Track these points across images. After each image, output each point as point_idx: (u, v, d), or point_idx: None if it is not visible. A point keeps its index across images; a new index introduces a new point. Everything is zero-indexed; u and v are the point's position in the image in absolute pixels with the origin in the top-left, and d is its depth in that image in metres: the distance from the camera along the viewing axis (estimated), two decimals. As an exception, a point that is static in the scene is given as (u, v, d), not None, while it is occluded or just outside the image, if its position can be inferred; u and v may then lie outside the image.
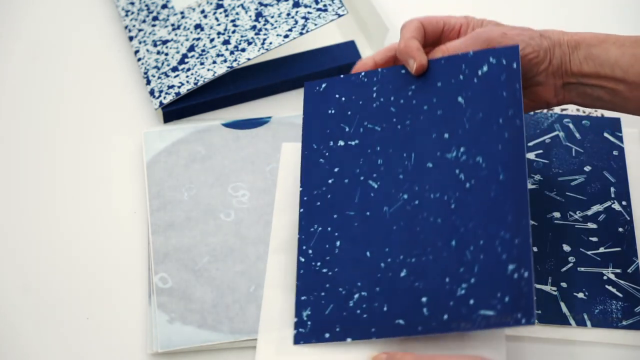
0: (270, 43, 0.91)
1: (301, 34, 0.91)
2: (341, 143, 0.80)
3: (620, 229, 0.85)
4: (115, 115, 0.92)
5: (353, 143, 0.80)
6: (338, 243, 0.77)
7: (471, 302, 0.70)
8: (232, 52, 0.91)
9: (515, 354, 0.79)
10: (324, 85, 0.83)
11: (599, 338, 0.80)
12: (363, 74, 0.82)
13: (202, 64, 0.91)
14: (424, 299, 0.72)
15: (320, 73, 0.94)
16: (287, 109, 0.93)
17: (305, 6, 0.92)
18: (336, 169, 0.79)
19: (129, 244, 0.84)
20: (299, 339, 0.75)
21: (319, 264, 0.77)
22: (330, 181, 0.79)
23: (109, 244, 0.84)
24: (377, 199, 0.77)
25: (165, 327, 0.79)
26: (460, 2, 1.03)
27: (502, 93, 0.75)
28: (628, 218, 0.85)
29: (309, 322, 0.75)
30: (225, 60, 0.90)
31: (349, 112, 0.81)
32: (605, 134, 0.90)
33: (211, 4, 0.95)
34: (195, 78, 0.90)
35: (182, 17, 0.94)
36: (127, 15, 0.96)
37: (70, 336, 0.80)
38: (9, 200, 0.87)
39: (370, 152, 0.78)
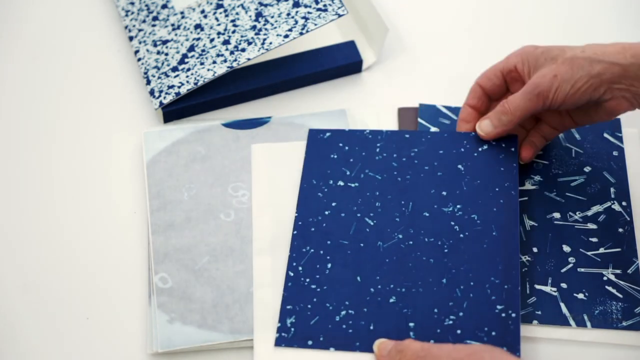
0: (270, 43, 0.91)
1: (301, 34, 0.91)
2: (341, 183, 0.85)
3: (620, 230, 0.85)
4: (115, 115, 0.92)
5: (353, 185, 0.85)
6: (329, 265, 0.81)
7: (458, 332, 0.76)
8: (232, 52, 0.91)
9: (515, 355, 0.79)
10: (328, 134, 0.88)
11: (598, 338, 0.80)
12: (368, 131, 0.88)
13: (202, 64, 0.91)
14: (411, 324, 0.77)
15: (320, 73, 0.94)
16: (287, 109, 0.93)
17: (305, 6, 0.92)
18: (334, 204, 0.84)
19: (129, 244, 0.84)
20: (280, 342, 0.77)
21: (307, 280, 0.80)
22: (326, 212, 0.84)
23: (109, 244, 0.84)
24: (372, 234, 0.82)
25: (165, 327, 0.79)
26: (461, 3, 1.03)
27: (500, 168, 0.84)
28: (628, 218, 0.85)
29: (292, 329, 0.78)
30: (225, 60, 0.90)
31: (351, 160, 0.86)
32: (605, 135, 0.90)
33: (211, 4, 0.95)
34: (195, 78, 0.90)
35: (182, 17, 0.94)
36: (127, 15, 0.96)
37: (70, 336, 0.80)
38: (9, 200, 0.87)
39: (369, 195, 0.84)
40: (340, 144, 0.87)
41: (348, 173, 0.86)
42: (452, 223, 0.82)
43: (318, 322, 0.78)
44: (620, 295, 0.82)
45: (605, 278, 0.82)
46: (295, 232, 0.82)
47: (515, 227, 0.81)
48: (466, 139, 0.86)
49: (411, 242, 0.81)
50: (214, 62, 0.90)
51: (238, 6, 0.94)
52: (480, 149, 0.85)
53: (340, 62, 0.94)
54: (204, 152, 0.89)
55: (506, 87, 0.85)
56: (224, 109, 0.93)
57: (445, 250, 0.80)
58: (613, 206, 0.86)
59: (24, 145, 0.90)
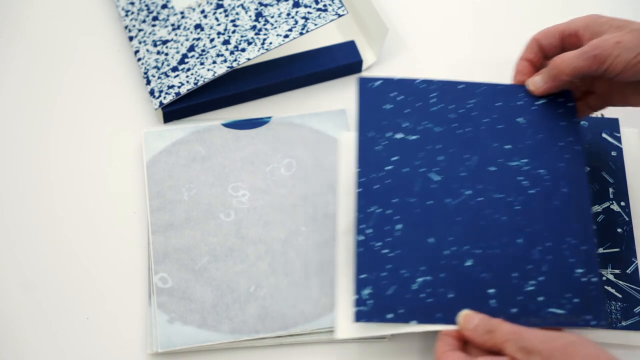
0: (270, 43, 0.91)
1: (301, 34, 0.91)
2: (399, 136, 0.81)
3: (619, 230, 0.85)
4: (115, 115, 0.92)
5: (412, 138, 0.81)
6: (399, 226, 0.77)
7: (540, 298, 0.73)
8: (232, 52, 0.91)
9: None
10: (378, 82, 0.83)
11: (598, 338, 0.80)
12: (419, 80, 0.84)
13: (202, 64, 0.91)
14: (491, 291, 0.74)
15: (320, 73, 0.94)
16: (287, 109, 0.93)
17: (305, 6, 0.93)
18: (394, 158, 0.79)
19: (129, 244, 0.84)
20: (360, 317, 0.74)
21: (379, 244, 0.76)
22: (388, 168, 0.79)
23: (109, 244, 0.84)
24: (439, 191, 0.78)
25: (165, 327, 0.79)
26: (461, 3, 1.04)
27: (560, 123, 0.81)
28: (627, 219, 0.85)
29: (370, 301, 0.74)
30: (225, 60, 0.90)
31: (407, 110, 0.82)
32: (604, 135, 0.90)
33: (211, 4, 0.95)
34: (195, 78, 0.90)
35: (182, 17, 0.94)
36: (127, 15, 0.96)
37: (70, 336, 0.80)
38: (9, 200, 0.87)
39: (430, 149, 0.80)
40: (393, 94, 0.83)
41: (405, 125, 0.81)
42: (520, 178, 0.78)
43: (395, 292, 0.74)
44: (620, 295, 0.82)
45: (604, 278, 0.82)
46: (360, 189, 0.78)
47: (585, 184, 0.78)
48: (522, 92, 0.83)
49: (481, 199, 0.77)
50: (214, 62, 0.90)
51: (238, 6, 0.94)
52: (538, 103, 0.82)
53: (340, 62, 0.94)
54: (204, 152, 0.88)
55: (562, 49, 0.82)
56: (224, 109, 0.93)
57: (517, 207, 0.77)
58: (612, 206, 0.86)
59: (24, 146, 0.90)
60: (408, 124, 0.81)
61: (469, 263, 0.75)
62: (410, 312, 0.74)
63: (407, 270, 0.75)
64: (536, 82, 0.82)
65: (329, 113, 0.91)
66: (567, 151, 0.80)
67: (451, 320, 0.73)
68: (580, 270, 0.74)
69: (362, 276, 0.75)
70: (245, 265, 0.82)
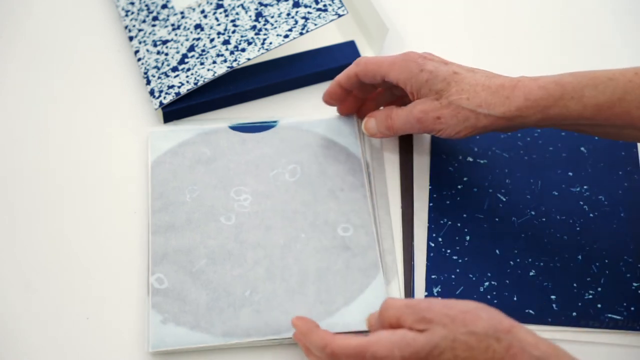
0: (270, 43, 0.91)
1: (301, 34, 0.91)
2: (470, 159, 0.88)
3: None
4: (115, 115, 0.92)
5: (482, 161, 0.88)
6: (468, 237, 0.84)
7: (598, 305, 0.80)
8: (232, 52, 0.91)
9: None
10: None
11: (598, 338, 0.80)
12: None
13: (202, 64, 0.91)
14: (553, 297, 0.81)
15: (320, 73, 0.94)
16: (287, 109, 0.93)
17: (305, 6, 0.92)
18: (465, 178, 0.87)
19: (129, 244, 0.84)
20: None
21: (449, 251, 0.83)
22: (459, 187, 0.87)
23: (109, 244, 0.84)
24: (505, 209, 0.85)
25: (158, 327, 0.79)
26: (461, 3, 1.03)
27: (621, 153, 0.89)
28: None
29: (439, 298, 0.80)
30: (225, 60, 0.90)
31: (477, 137, 0.89)
32: None
33: (211, 4, 0.95)
34: (195, 78, 0.90)
35: (182, 17, 0.94)
36: (127, 15, 0.96)
37: (69, 336, 0.80)
38: (9, 200, 0.87)
39: (499, 172, 0.88)
40: None
41: (476, 149, 0.89)
42: (581, 203, 0.85)
43: (463, 292, 0.81)
44: (621, 295, 0.83)
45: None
46: (431, 204, 0.85)
47: None
48: None
49: (544, 219, 0.84)
50: (214, 62, 0.90)
51: (238, 6, 0.94)
52: None
53: (340, 62, 0.94)
54: (209, 153, 0.88)
55: (384, 83, 0.84)
56: (224, 109, 0.93)
57: (577, 229, 0.84)
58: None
59: (23, 145, 0.90)
60: (477, 149, 0.89)
61: (532, 273, 0.82)
62: None
63: (474, 274, 0.82)
64: (370, 129, 0.86)
65: (338, 120, 0.91)
66: (626, 179, 0.87)
67: (515, 319, 0.76)
68: (636, 284, 0.81)
69: (433, 276, 0.82)
70: (242, 269, 0.82)
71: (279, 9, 0.93)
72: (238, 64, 0.90)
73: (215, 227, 0.84)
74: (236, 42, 0.91)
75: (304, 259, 0.83)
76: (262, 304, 0.80)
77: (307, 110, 0.92)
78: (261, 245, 0.83)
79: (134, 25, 0.95)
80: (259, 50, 0.90)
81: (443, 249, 0.83)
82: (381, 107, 0.89)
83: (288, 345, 0.80)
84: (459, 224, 0.84)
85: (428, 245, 0.83)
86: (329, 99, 0.88)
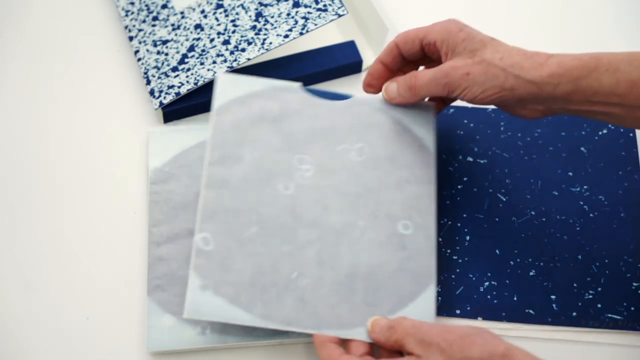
0: (270, 43, 0.91)
1: (301, 34, 0.91)
2: (470, 159, 0.88)
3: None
4: (115, 115, 0.92)
5: (482, 161, 0.88)
6: (467, 237, 0.84)
7: (599, 305, 0.80)
8: (232, 52, 0.91)
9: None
10: (451, 111, 0.90)
11: (598, 338, 0.80)
12: (490, 109, 0.90)
13: (202, 64, 0.91)
14: (553, 297, 0.81)
15: (320, 73, 0.94)
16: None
17: (305, 6, 0.92)
18: (465, 178, 0.87)
19: (129, 244, 0.84)
20: None
21: (449, 251, 0.83)
22: (459, 187, 0.86)
23: (109, 244, 0.84)
24: (505, 209, 0.85)
25: (196, 292, 0.74)
26: (461, 3, 1.03)
27: (621, 153, 0.88)
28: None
29: (439, 298, 0.81)
30: (225, 60, 0.90)
31: (478, 137, 0.89)
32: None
33: (211, 4, 0.95)
34: (195, 78, 0.90)
35: (182, 17, 0.94)
36: (127, 15, 0.96)
37: (70, 336, 0.80)
38: (9, 200, 0.87)
39: (499, 172, 0.87)
40: (465, 121, 0.90)
41: (476, 149, 0.88)
42: (581, 203, 0.85)
43: (463, 292, 0.81)
44: (621, 295, 0.83)
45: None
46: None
47: None
48: (585, 122, 0.90)
49: (544, 219, 0.84)
50: (214, 62, 0.90)
51: (238, 6, 0.94)
52: (600, 133, 0.89)
53: (340, 62, 0.94)
54: (277, 111, 0.82)
55: (423, 54, 0.82)
56: (224, 109, 0.93)
57: (577, 229, 0.84)
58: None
59: (24, 145, 0.90)
60: (477, 149, 0.88)
61: (532, 273, 0.82)
62: (476, 309, 0.80)
63: (474, 274, 0.82)
64: (391, 92, 0.83)
65: (415, 106, 0.85)
66: (626, 179, 0.87)
67: (515, 319, 0.80)
68: (636, 284, 0.81)
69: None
70: (292, 247, 0.76)
71: (279, 9, 0.93)
72: (238, 64, 0.90)
73: (272, 194, 0.78)
74: (236, 42, 0.91)
75: (357, 251, 0.77)
76: (307, 292, 0.75)
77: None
78: (316, 225, 0.78)
79: (134, 25, 0.95)
80: (259, 50, 0.90)
81: (443, 249, 0.83)
82: None
83: (288, 345, 0.80)
84: (459, 224, 0.84)
85: None
86: (371, 79, 0.84)
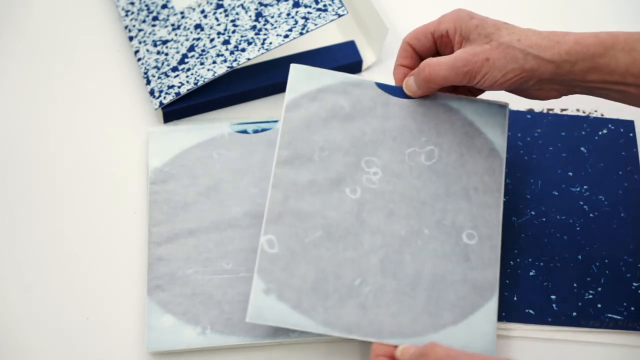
0: (270, 43, 0.91)
1: (301, 34, 0.91)
2: None
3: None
4: (115, 115, 0.92)
5: None
6: None
7: (599, 305, 0.80)
8: (232, 52, 0.91)
9: (516, 354, 0.79)
10: None
11: (598, 338, 0.80)
12: None
13: (202, 64, 0.91)
14: (553, 297, 0.81)
15: (320, 73, 0.94)
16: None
17: (305, 6, 0.92)
18: None
19: (129, 244, 0.84)
20: None
21: None
22: None
23: (109, 245, 0.84)
24: (505, 209, 0.83)
25: (260, 296, 0.73)
26: (460, 3, 1.03)
27: (621, 153, 0.88)
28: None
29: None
30: (225, 60, 0.90)
31: None
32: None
33: (211, 4, 0.95)
34: (195, 78, 0.90)
35: (182, 17, 0.94)
36: (127, 15, 0.96)
37: (70, 336, 0.80)
38: (9, 200, 0.86)
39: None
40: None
41: None
42: (581, 203, 0.85)
43: None
44: (621, 295, 0.83)
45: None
46: None
47: None
48: (585, 122, 0.90)
49: (544, 219, 0.84)
50: (214, 62, 0.90)
51: (238, 6, 0.94)
52: (600, 133, 0.89)
53: (340, 62, 0.94)
54: (347, 109, 0.79)
55: (436, 48, 0.82)
56: (224, 109, 0.93)
57: (577, 229, 0.84)
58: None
59: (24, 145, 0.90)
60: None
61: (532, 273, 0.82)
62: None
63: None
64: (411, 86, 0.81)
65: (489, 105, 0.83)
66: (626, 179, 0.87)
67: (515, 319, 0.80)
68: (636, 284, 0.81)
69: None
70: (356, 253, 0.75)
71: (279, 9, 0.93)
72: (238, 64, 0.90)
73: (338, 198, 0.76)
74: (236, 42, 0.91)
75: (421, 260, 0.76)
76: (369, 298, 0.74)
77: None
78: (381, 232, 0.77)
79: (134, 25, 0.95)
80: (259, 50, 0.90)
81: None
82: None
83: (288, 345, 0.80)
84: None
85: None
86: (400, 84, 0.82)
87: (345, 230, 0.76)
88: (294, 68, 0.81)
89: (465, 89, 0.84)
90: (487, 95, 0.85)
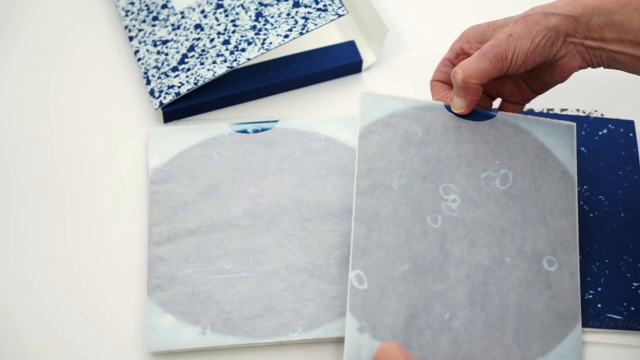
0: (270, 43, 0.91)
1: (301, 34, 0.91)
2: None
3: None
4: (114, 115, 0.92)
5: None
6: None
7: (599, 305, 0.80)
8: (232, 52, 0.91)
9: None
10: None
11: (598, 338, 0.80)
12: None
13: (202, 64, 0.91)
14: None
15: (320, 73, 0.94)
16: (287, 109, 0.93)
17: (305, 6, 0.92)
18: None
19: (129, 244, 0.84)
20: None
21: None
22: None
23: (109, 244, 0.84)
24: None
25: (354, 334, 0.70)
26: (461, 3, 1.03)
27: (621, 153, 0.88)
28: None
29: None
30: (225, 60, 0.90)
31: None
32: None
33: (211, 4, 0.95)
34: (195, 78, 0.90)
35: (182, 17, 0.94)
36: (127, 15, 0.96)
37: (70, 336, 0.80)
38: (9, 200, 0.87)
39: None
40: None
41: None
42: (581, 203, 0.85)
43: None
44: (621, 295, 0.83)
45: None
46: None
47: None
48: (585, 122, 0.89)
49: None
50: (214, 62, 0.90)
51: (238, 6, 0.94)
52: (600, 133, 0.89)
53: (340, 62, 0.94)
54: (420, 134, 0.77)
55: None
56: (224, 109, 0.93)
57: (578, 229, 0.81)
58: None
59: (24, 145, 0.90)
60: None
61: None
62: None
63: None
64: (457, 104, 0.79)
65: (558, 126, 0.82)
66: (626, 179, 0.86)
67: None
68: (636, 284, 0.81)
69: None
70: (444, 286, 0.73)
71: (279, 9, 0.93)
72: (238, 64, 0.90)
73: (421, 228, 0.74)
74: (236, 42, 0.91)
75: (505, 290, 0.74)
76: (460, 333, 0.72)
77: (307, 110, 0.92)
78: (465, 262, 0.74)
79: (134, 25, 0.96)
80: (259, 50, 0.90)
81: None
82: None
83: (288, 345, 0.80)
84: None
85: None
86: (438, 97, 0.82)
87: (430, 262, 0.74)
88: (365, 95, 0.80)
89: (519, 94, 0.82)
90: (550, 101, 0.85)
